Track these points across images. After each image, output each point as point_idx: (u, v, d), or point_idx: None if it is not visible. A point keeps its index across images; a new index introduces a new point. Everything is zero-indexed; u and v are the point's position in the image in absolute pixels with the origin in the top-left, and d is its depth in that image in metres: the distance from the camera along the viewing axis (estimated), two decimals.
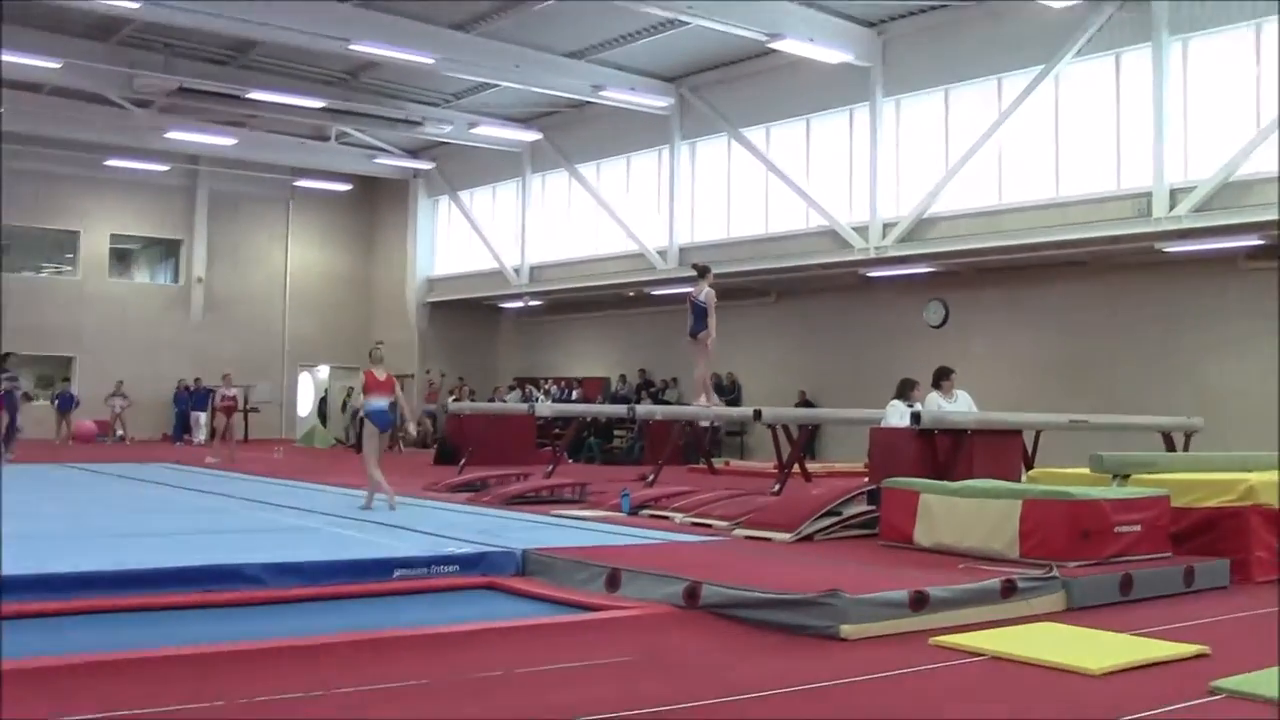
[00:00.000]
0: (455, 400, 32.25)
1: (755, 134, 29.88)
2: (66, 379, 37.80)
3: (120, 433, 36.96)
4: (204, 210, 40.79)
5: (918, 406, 14.81)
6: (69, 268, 39.96)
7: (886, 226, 26.76)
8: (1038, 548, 10.30)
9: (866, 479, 14.62)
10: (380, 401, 15.57)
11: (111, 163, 37.60)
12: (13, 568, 9.03)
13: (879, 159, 26.98)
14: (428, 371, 39.11)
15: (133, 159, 37.52)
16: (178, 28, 27.93)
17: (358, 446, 34.42)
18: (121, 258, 41.41)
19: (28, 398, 28.37)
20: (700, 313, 17.75)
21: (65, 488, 19.15)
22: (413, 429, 20.83)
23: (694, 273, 18.39)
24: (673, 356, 33.90)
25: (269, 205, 42.14)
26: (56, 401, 35.77)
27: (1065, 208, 24.04)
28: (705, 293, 17.74)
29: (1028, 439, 16.52)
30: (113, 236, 40.14)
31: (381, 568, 9.99)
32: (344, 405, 40.25)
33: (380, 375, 15.66)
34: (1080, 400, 23.05)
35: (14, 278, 38.27)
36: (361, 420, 15.96)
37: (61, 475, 21.84)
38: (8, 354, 26.33)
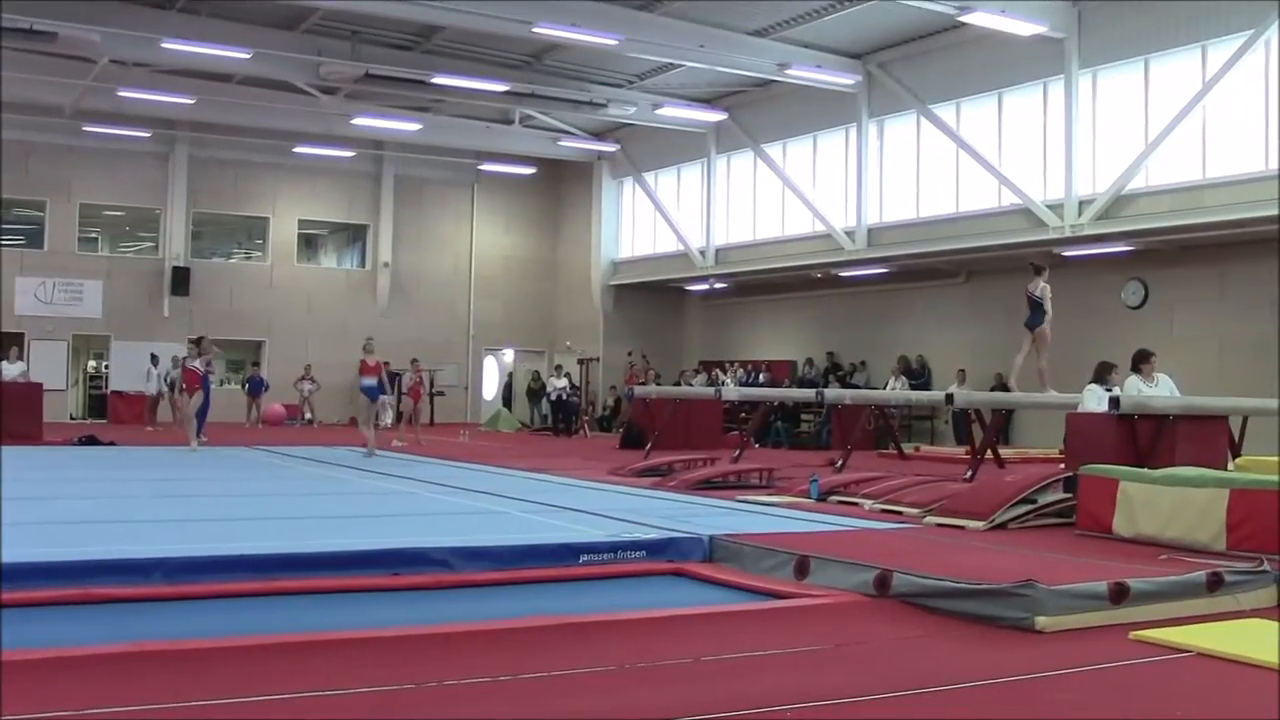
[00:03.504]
0: (640, 384, 32.40)
1: (945, 110, 29.48)
2: (256, 363, 38.83)
3: (308, 416, 37.83)
4: (389, 195, 41.55)
5: (1116, 391, 14.52)
6: (259, 254, 41.08)
7: (1083, 204, 26.21)
8: (1246, 540, 10.02)
9: (1063, 465, 14.37)
10: (370, 380, 22.75)
11: (299, 150, 38.56)
12: (196, 549, 9.33)
13: (1075, 134, 26.44)
14: (629, 354, 39.19)
15: (320, 145, 38.44)
16: (363, 15, 28.53)
17: (555, 429, 35.16)
18: (309, 243, 42.45)
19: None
20: (1036, 306, 18.38)
21: (254, 470, 19.69)
22: (388, 418, 23.96)
23: (1031, 269, 18.99)
24: (861, 339, 33.71)
25: (454, 189, 42.76)
26: (247, 385, 36.77)
27: (1277, 180, 23.32)
28: (1041, 287, 18.33)
29: (1234, 425, 16.07)
30: (301, 222, 41.11)
31: (567, 552, 10.09)
32: (529, 388, 40.77)
33: (370, 362, 22.66)
34: None
35: (206, 264, 39.51)
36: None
37: (251, 458, 22.44)
38: (201, 338, 27.12)
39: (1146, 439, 13.57)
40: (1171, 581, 8.56)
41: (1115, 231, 25.71)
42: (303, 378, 37.84)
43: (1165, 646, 7.34)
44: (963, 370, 29.02)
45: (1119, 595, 8.16)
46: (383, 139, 39.09)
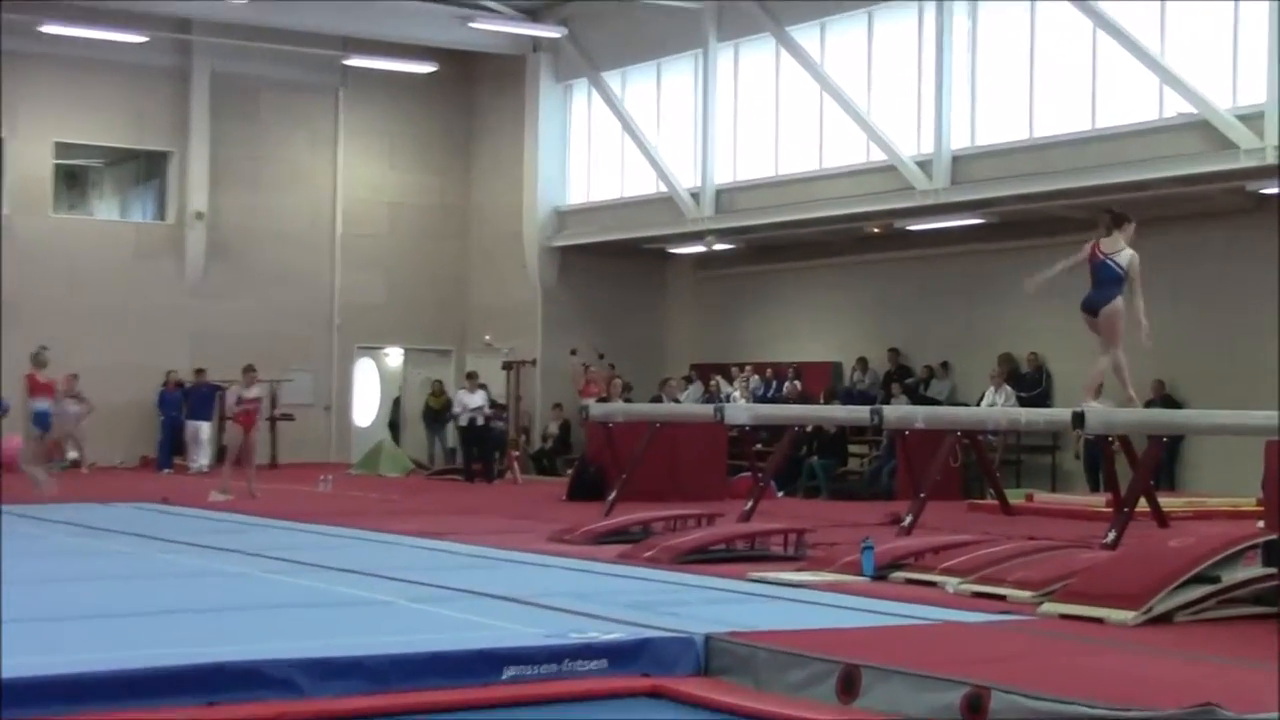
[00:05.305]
0: (600, 400, 32.36)
1: None
2: None
3: (73, 455, 37.23)
4: (204, 106, 41.17)
5: None
6: None
7: None
8: None
9: (1261, 524, 14.37)
10: (42, 404, 25.12)
11: (51, 29, 37.90)
12: None
13: None
14: (573, 352, 38.97)
15: (87, 24, 37.95)
16: None
17: (467, 470, 35.13)
18: (74, 180, 42.22)
19: None
20: (1110, 279, 18.37)
21: None
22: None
23: (1107, 220, 18.90)
24: (942, 329, 33.68)
25: (307, 97, 42.66)
26: None
27: None
28: (1126, 254, 18.36)
29: None
30: (59, 147, 40.66)
31: (485, 663, 10.06)
32: (426, 409, 40.68)
33: (41, 378, 25.42)
34: None
35: None
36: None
37: None
38: None
39: None
40: None
41: None
42: (63, 394, 37.47)
43: None
44: (1047, 363, 28.98)
45: None
46: (191, 16, 39.03)
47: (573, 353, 38.55)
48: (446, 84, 43.10)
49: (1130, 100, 28.67)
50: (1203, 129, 27.38)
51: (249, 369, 29.10)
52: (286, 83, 42.18)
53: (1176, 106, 27.67)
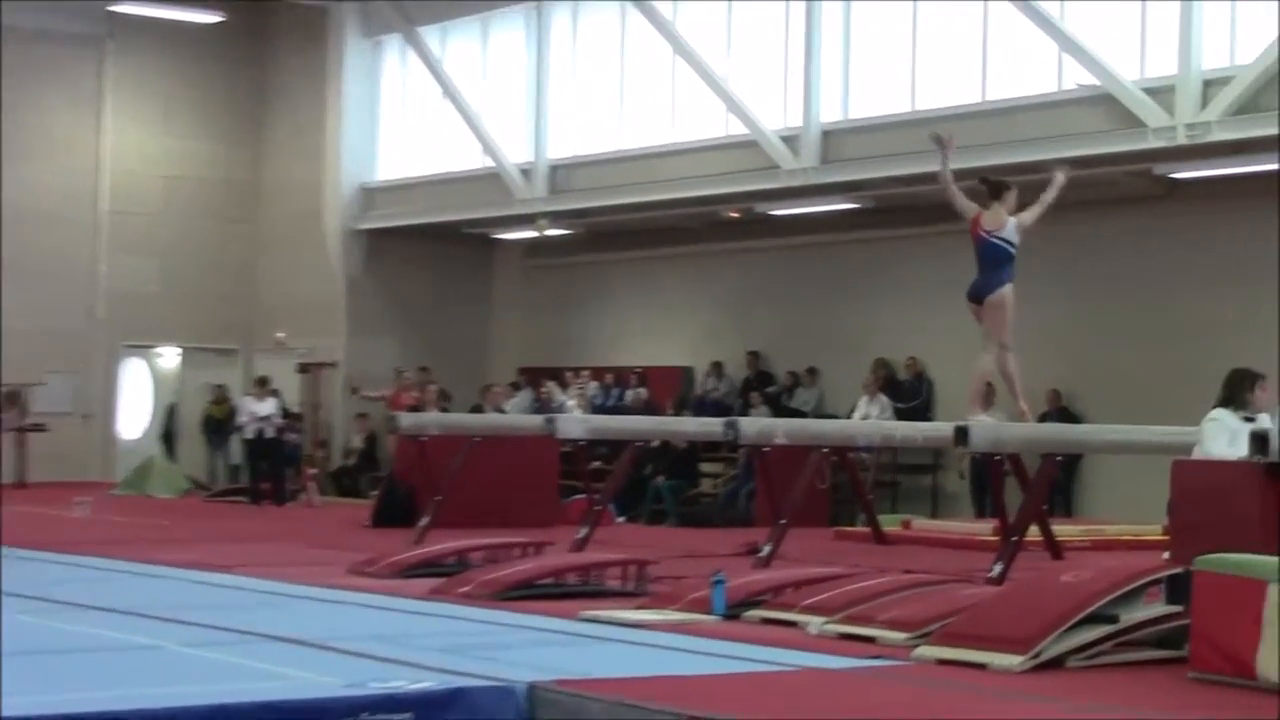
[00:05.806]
0: (411, 409, 32.28)
1: None
2: None
3: None
4: None
5: (1265, 421, 14.64)
6: None
7: (1210, 86, 26.42)
8: None
9: (1166, 555, 14.49)
10: None
11: None
12: None
13: None
14: (403, 373, 38.51)
15: None
16: None
17: (254, 490, 34.88)
18: None
19: None
20: (999, 258, 18.43)
21: None
22: None
23: (985, 191, 18.89)
24: (808, 329, 33.81)
25: (65, 50, 42.17)
26: None
27: None
28: (1011, 225, 18.35)
29: None
30: None
31: (271, 718, 9.97)
32: (207, 418, 40.40)
33: None
34: None
35: None
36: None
37: None
38: None
39: None
40: None
41: (1271, 135, 25.90)
42: None
43: None
44: (928, 369, 29.30)
45: None
46: None
47: (403, 373, 38.02)
48: (234, 36, 42.87)
49: (1025, 70, 28.92)
50: (1107, 104, 27.64)
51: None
52: (40, 32, 41.58)
53: (1077, 78, 27.95)
